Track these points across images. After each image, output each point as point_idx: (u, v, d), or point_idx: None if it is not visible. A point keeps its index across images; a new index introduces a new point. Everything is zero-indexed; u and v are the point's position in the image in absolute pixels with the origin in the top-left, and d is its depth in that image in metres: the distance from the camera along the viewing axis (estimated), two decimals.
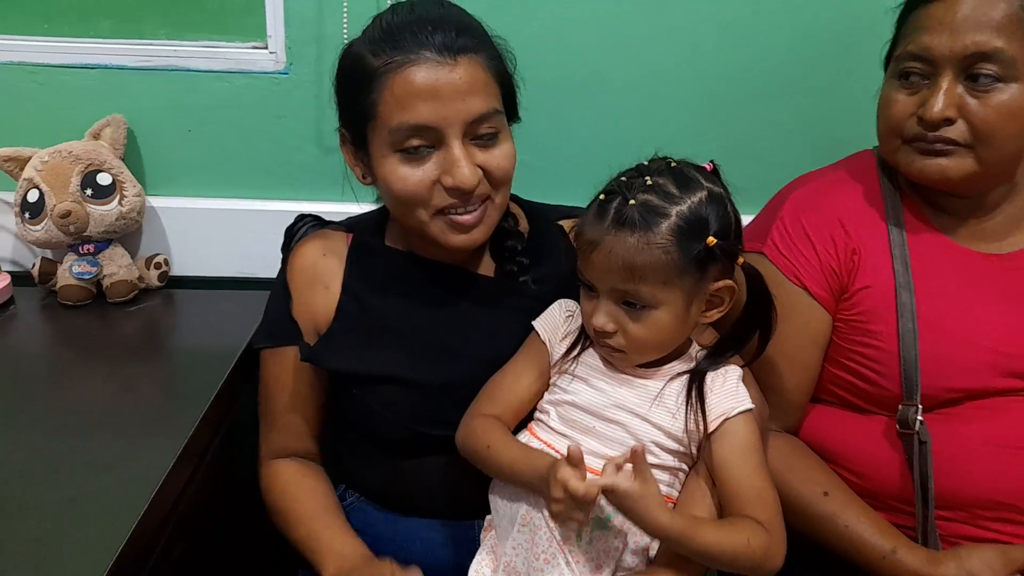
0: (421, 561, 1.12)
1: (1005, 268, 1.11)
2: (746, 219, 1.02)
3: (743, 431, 0.94)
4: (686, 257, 0.89)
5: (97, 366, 1.22)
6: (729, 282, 0.94)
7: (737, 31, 1.40)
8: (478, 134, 1.01)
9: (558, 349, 1.02)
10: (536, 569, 0.94)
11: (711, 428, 0.94)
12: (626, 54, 1.41)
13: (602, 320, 0.93)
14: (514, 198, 1.17)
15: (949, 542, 1.06)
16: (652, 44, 1.41)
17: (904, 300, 1.09)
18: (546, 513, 0.93)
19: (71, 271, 1.34)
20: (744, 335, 0.98)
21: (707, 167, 0.95)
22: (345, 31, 1.32)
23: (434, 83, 0.97)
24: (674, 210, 0.89)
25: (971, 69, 1.01)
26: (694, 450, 0.96)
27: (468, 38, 1.00)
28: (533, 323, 1.05)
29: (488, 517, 1.07)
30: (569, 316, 1.04)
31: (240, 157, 1.44)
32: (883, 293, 1.10)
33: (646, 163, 0.95)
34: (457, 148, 0.99)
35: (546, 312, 1.06)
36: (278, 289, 1.17)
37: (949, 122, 1.03)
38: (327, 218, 1.23)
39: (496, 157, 1.03)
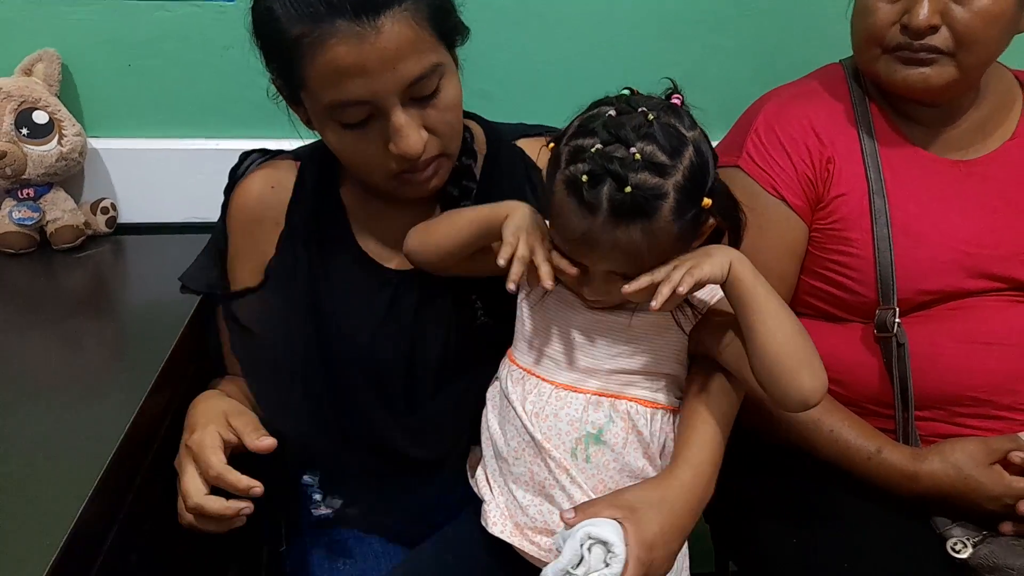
0: (402, 500, 1.10)
1: (971, 174, 1.12)
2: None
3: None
4: (685, 226, 0.85)
5: (46, 320, 1.13)
6: (713, 221, 0.90)
7: None
8: (418, 94, 0.92)
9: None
10: (547, 496, 0.93)
11: (701, 313, 0.94)
12: None
13: (596, 296, 0.89)
14: (474, 117, 1.12)
15: (928, 441, 1.08)
16: None
17: (878, 206, 1.10)
18: (538, 437, 0.92)
19: (11, 217, 1.26)
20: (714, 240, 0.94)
21: (676, 103, 0.87)
22: None
23: (357, 58, 0.86)
24: (671, 184, 0.81)
25: None
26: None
27: None
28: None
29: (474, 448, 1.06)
30: None
31: (185, 93, 1.37)
32: (858, 200, 1.11)
33: (617, 116, 0.83)
34: (398, 115, 0.90)
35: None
36: (216, 232, 1.09)
37: (934, 30, 1.03)
38: None
39: (439, 111, 0.94)
